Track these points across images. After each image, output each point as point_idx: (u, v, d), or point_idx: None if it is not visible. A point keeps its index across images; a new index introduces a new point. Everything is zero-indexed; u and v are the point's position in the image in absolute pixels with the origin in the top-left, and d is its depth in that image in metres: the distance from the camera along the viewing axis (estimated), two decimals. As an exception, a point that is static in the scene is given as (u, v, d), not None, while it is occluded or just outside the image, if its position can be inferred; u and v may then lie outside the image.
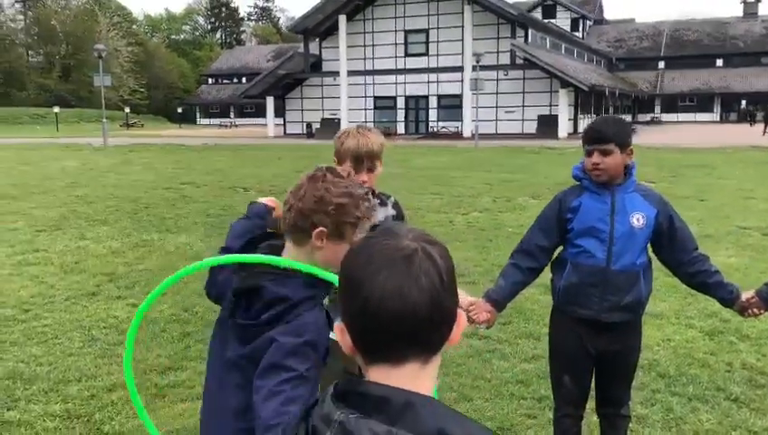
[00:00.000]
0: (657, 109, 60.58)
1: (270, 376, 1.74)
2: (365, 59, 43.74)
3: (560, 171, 16.59)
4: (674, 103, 59.63)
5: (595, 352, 3.15)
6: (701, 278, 3.15)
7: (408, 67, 43.00)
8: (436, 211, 11.86)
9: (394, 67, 43.23)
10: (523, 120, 40.48)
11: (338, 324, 1.18)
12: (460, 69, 40.14)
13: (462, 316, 1.15)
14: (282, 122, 47.33)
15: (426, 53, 42.69)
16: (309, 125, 43.74)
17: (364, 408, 1.05)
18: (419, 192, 14.18)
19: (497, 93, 40.24)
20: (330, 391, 1.11)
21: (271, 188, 15.44)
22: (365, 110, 44.37)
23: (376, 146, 2.79)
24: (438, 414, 1.05)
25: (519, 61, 38.88)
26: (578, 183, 3.22)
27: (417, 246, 1.12)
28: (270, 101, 46.84)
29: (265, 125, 49.55)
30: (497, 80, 39.81)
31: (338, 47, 42.16)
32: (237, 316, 1.91)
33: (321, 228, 1.86)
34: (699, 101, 58.57)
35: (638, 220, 3.04)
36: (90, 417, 4.26)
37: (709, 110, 58.16)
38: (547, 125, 38.39)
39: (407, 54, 43.20)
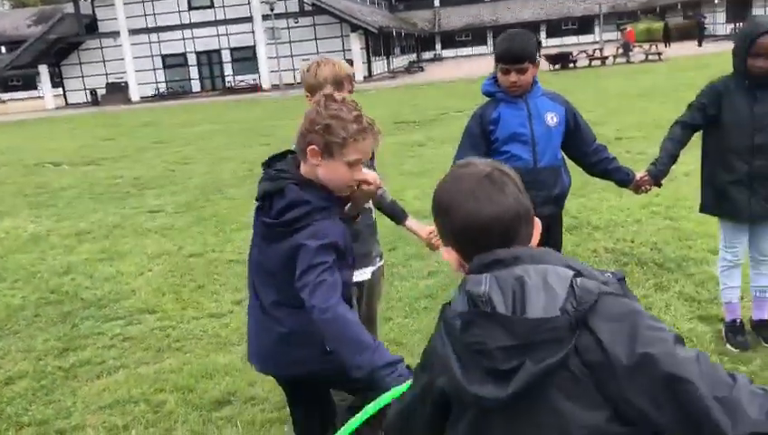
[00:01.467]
0: (438, 46, 63.74)
1: (308, 274, 2.03)
2: (146, 15, 41.00)
3: (380, 111, 17.16)
4: (452, 39, 63.06)
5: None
6: (603, 166, 3.62)
7: (194, 21, 41.03)
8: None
9: (179, 22, 41.03)
10: (319, 66, 40.63)
11: (443, 248, 1.45)
12: (249, 19, 39.16)
13: (537, 220, 1.42)
14: (61, 92, 43.23)
15: (211, 5, 40.95)
16: (93, 92, 40.43)
17: (506, 265, 1.29)
18: (249, 145, 13.95)
19: (290, 42, 39.93)
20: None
21: (83, 159, 14.33)
22: (154, 70, 41.91)
23: (349, 69, 2.89)
24: (559, 256, 1.33)
25: (308, 7, 38.78)
26: (490, 98, 3.53)
27: (490, 168, 1.40)
28: (44, 71, 42.41)
29: (41, 97, 44.94)
30: (288, 28, 39.41)
31: (113, 5, 39.06)
32: (264, 216, 2.19)
33: (312, 146, 2.11)
34: (474, 36, 62.42)
35: (552, 119, 3.40)
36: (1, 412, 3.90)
37: (483, 43, 62.26)
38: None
39: (190, 8, 41.14)
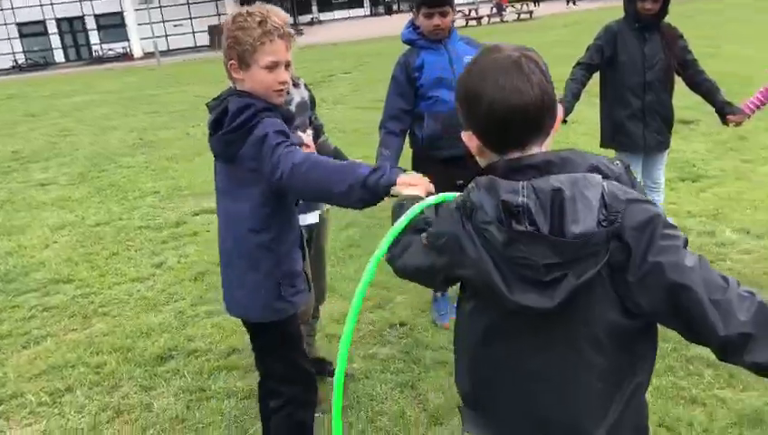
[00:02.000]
0: (315, 9, 62.94)
1: (276, 150, 2.11)
2: (-5, -20, 37.85)
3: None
4: (329, 2, 62.44)
5: (454, 184, 3.74)
6: None
7: (51, -14, 38.35)
8: (162, 127, 11.44)
9: (35, -13, 38.22)
10: (193, 32, 39.22)
11: (464, 133, 1.47)
12: (115, -17, 37.04)
13: (559, 108, 1.48)
14: None
15: (68, -32, 38.38)
16: (-59, 66, 37.06)
17: (539, 171, 1.35)
18: (133, 114, 13.42)
19: (161, 7, 38.17)
20: (482, 182, 1.38)
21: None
22: (9, 39, 38.86)
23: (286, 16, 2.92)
24: (586, 156, 1.41)
25: (177, -30, 37.17)
26: (410, 46, 3.70)
27: (518, 53, 1.38)
28: None
29: None
30: (157, -8, 37.66)
31: (-43, -31, 35.75)
32: (217, 135, 2.25)
33: (231, 62, 2.24)
34: (351, -1, 62.16)
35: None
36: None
37: (360, 5, 62.11)
38: (219, 35, 37.65)
39: (47, -28, 38.36)
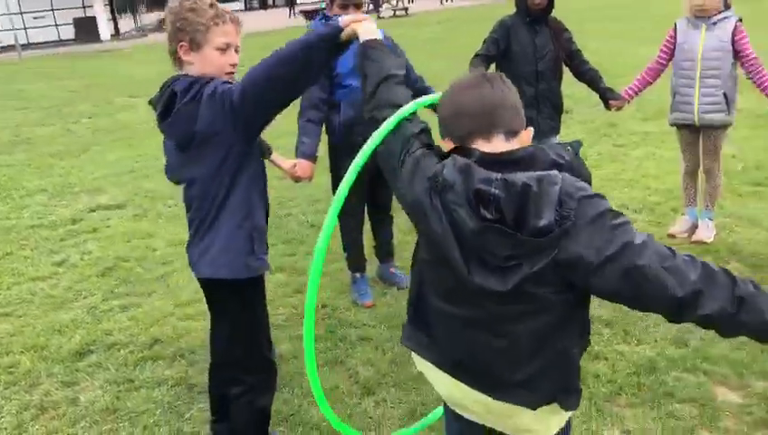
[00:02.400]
0: (187, 2, 61.01)
1: (226, 89, 2.16)
2: None
3: (156, 68, 16.37)
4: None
5: (368, 171, 3.92)
6: (424, 92, 4.14)
7: None
8: (38, 124, 10.83)
9: None
10: (56, 25, 36.92)
11: (443, 141, 1.68)
12: (-36, -29, 34.16)
13: (529, 132, 1.66)
14: None
15: None
16: None
17: (510, 167, 1.54)
18: (1, 110, 12.56)
19: (19, -3, 35.66)
20: (458, 161, 1.57)
21: None
22: None
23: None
24: (546, 151, 1.58)
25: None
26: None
27: (486, 72, 1.71)
28: None
29: None
30: (14, -18, 35.13)
31: None
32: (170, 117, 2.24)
33: (181, 43, 2.25)
34: (224, -8, 60.83)
35: None
36: None
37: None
38: (86, 28, 35.81)
39: None
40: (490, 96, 1.60)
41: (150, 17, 48.73)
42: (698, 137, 4.46)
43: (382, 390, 3.22)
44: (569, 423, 1.87)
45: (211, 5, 2.26)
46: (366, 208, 4.20)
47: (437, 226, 1.56)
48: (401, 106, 1.80)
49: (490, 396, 1.68)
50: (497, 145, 1.59)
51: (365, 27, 2.02)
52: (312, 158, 3.71)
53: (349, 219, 4.05)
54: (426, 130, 1.77)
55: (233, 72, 2.32)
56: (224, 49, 2.27)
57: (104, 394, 3.34)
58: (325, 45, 2.06)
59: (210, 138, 2.20)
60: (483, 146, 1.59)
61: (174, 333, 3.89)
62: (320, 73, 2.18)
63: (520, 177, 1.49)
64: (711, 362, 3.23)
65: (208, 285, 2.47)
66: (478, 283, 1.53)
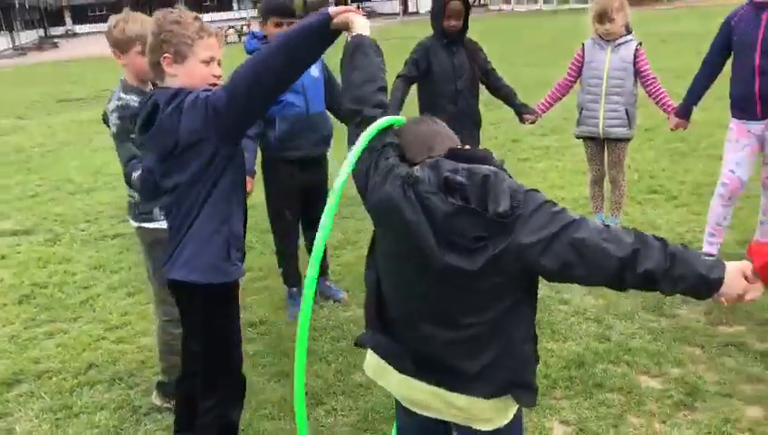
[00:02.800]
0: (69, 21, 58.61)
1: (211, 96, 2.17)
2: None
3: (36, 89, 15.61)
4: (85, 14, 58.53)
5: (303, 186, 4.01)
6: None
7: None
8: None
9: None
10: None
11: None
12: None
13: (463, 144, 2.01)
14: None
15: None
16: None
17: (474, 161, 1.80)
18: None
19: None
20: (429, 162, 1.81)
21: None
22: None
23: None
24: (493, 153, 1.88)
25: None
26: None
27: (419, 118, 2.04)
28: None
29: None
30: None
31: None
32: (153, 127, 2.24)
33: (165, 55, 2.26)
34: (110, 11, 58.82)
35: (314, 70, 3.92)
36: None
37: (119, 18, 58.98)
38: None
39: None
40: (429, 130, 1.95)
41: (27, 36, 46.44)
42: (602, 149, 4.84)
43: (331, 399, 3.29)
44: (521, 410, 2.02)
45: (195, 18, 2.30)
46: (300, 224, 4.27)
47: (412, 215, 1.75)
48: (386, 109, 2.00)
49: (449, 390, 1.85)
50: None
51: (360, 21, 2.10)
52: (252, 173, 3.76)
53: (283, 235, 4.11)
54: (395, 144, 1.93)
55: (216, 84, 2.33)
56: (208, 62, 2.30)
57: (41, 423, 3.23)
58: (314, 34, 2.09)
59: (193, 145, 2.20)
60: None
61: (109, 357, 3.80)
62: (309, 65, 2.20)
63: (481, 168, 1.76)
64: (632, 354, 3.52)
65: (180, 290, 2.42)
66: (450, 263, 1.71)
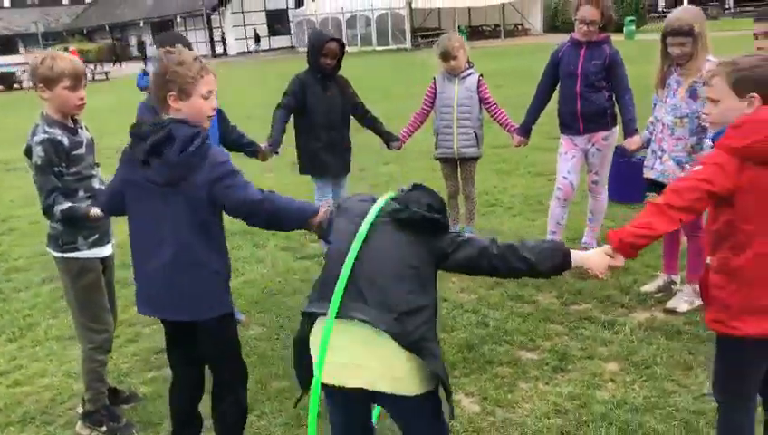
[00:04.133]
0: None
1: (234, 177, 2.57)
2: None
3: None
4: None
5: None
6: (239, 141, 4.57)
7: None
8: None
9: None
10: None
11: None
12: None
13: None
14: None
15: None
16: None
17: None
18: None
19: None
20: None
21: None
22: None
23: (82, 64, 3.09)
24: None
25: None
26: (146, 91, 4.11)
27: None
28: None
29: None
30: None
31: None
32: (160, 163, 2.50)
33: (170, 93, 2.54)
34: None
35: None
36: None
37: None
38: None
39: None
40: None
41: None
42: (456, 167, 5.53)
43: (260, 405, 3.51)
44: (437, 392, 2.35)
45: (195, 59, 2.56)
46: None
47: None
48: None
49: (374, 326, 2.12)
50: None
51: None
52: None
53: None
54: None
55: (212, 115, 2.66)
56: (207, 96, 2.58)
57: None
58: (302, 219, 2.67)
59: (191, 189, 2.53)
60: None
61: (11, 399, 3.72)
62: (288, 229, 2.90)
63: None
64: (509, 335, 4.13)
65: (190, 329, 2.79)
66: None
